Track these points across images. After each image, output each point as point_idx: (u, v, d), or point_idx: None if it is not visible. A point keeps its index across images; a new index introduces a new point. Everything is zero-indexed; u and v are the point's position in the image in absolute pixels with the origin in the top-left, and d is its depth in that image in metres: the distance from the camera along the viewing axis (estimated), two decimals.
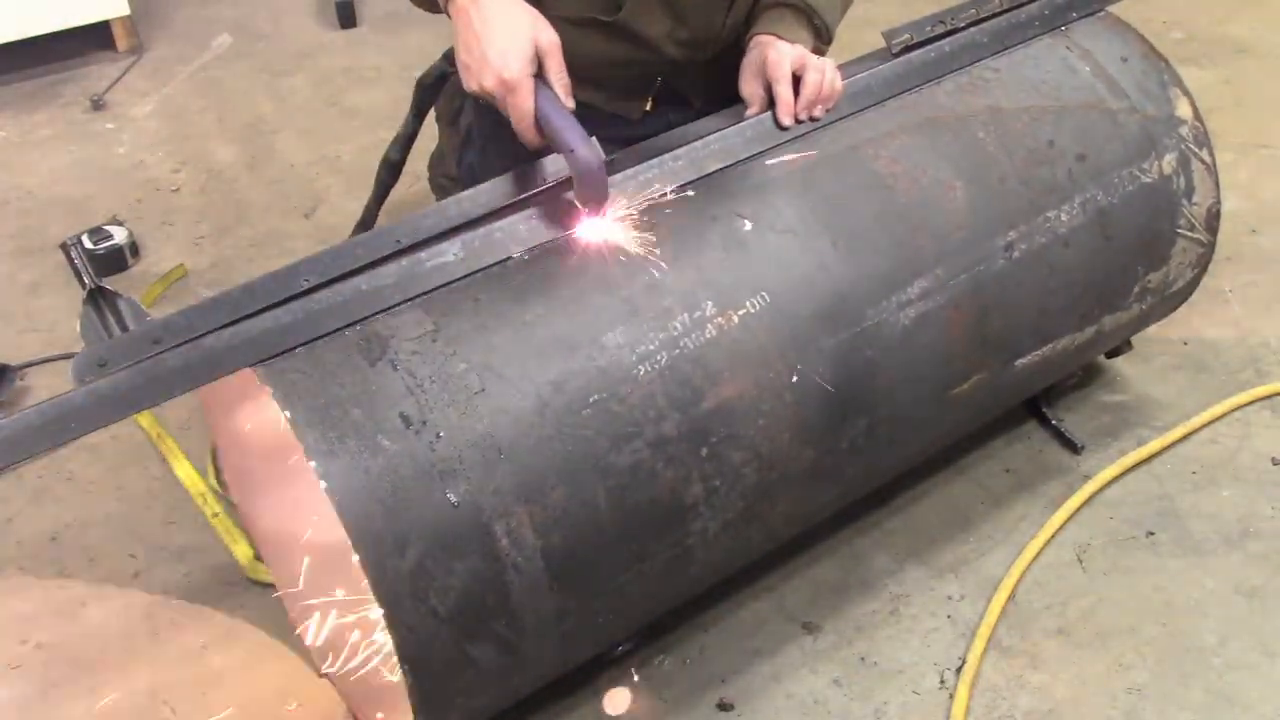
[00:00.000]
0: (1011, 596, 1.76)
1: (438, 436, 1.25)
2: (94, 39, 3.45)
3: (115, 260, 2.55)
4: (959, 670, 1.67)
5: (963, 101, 1.68)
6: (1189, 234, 1.83)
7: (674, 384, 1.37)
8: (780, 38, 1.63)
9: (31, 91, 3.31)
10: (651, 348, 1.37)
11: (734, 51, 1.82)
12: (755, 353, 1.43)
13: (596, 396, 1.33)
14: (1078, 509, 1.90)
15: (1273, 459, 1.99)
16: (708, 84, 1.92)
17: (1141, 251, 1.80)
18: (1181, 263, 1.86)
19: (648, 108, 1.92)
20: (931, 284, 1.57)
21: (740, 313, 1.42)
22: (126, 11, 3.41)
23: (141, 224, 2.71)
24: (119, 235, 2.57)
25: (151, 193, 2.86)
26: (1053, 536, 1.85)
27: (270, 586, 1.83)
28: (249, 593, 1.84)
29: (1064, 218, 1.68)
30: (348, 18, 3.57)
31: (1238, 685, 1.64)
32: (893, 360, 1.55)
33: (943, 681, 1.66)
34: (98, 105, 3.21)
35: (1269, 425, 2.06)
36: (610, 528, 1.35)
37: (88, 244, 2.53)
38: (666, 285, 1.40)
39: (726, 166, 1.53)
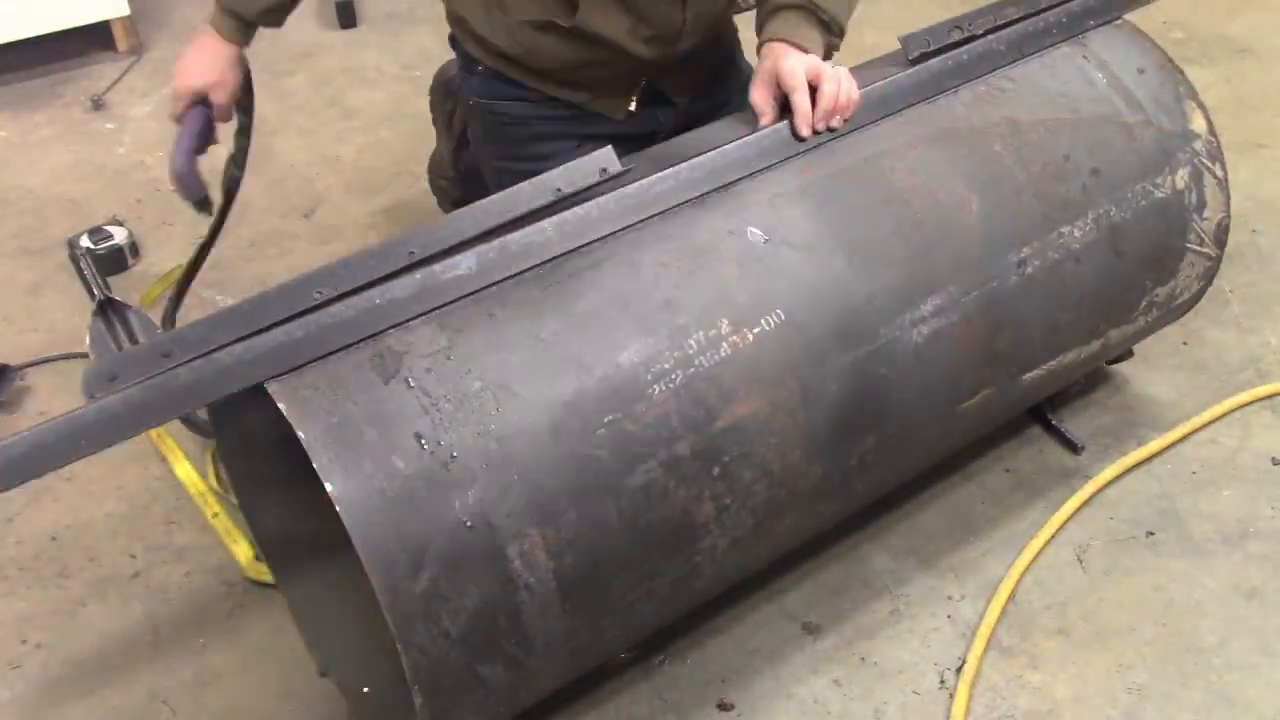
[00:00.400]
0: (1011, 596, 1.76)
1: (452, 458, 1.23)
2: (94, 39, 3.45)
3: (115, 260, 2.55)
4: (959, 670, 1.67)
5: (980, 113, 1.65)
6: (1198, 248, 1.83)
7: (688, 403, 1.36)
8: (791, 43, 1.60)
9: (31, 91, 3.31)
10: (667, 366, 1.35)
11: (710, 48, 1.86)
12: (769, 371, 1.42)
13: (611, 417, 1.31)
14: (1078, 509, 1.90)
15: (1273, 459, 1.99)
16: (690, 82, 1.92)
17: (1151, 266, 1.79)
18: (1189, 276, 1.86)
19: (632, 107, 1.94)
20: (945, 300, 1.56)
21: (755, 330, 1.41)
22: (126, 11, 3.41)
23: (141, 224, 2.71)
24: (119, 235, 2.57)
25: (151, 193, 2.86)
26: (1053, 536, 1.85)
27: (270, 586, 1.83)
28: (249, 593, 1.84)
29: (1077, 233, 1.67)
30: (348, 18, 3.57)
31: (1238, 685, 1.64)
32: (904, 377, 1.55)
33: (943, 681, 1.66)
34: (98, 105, 3.21)
35: (1269, 425, 2.06)
36: (622, 548, 1.35)
37: (88, 244, 2.53)
38: (682, 302, 1.39)
39: (743, 178, 1.50)
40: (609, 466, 1.31)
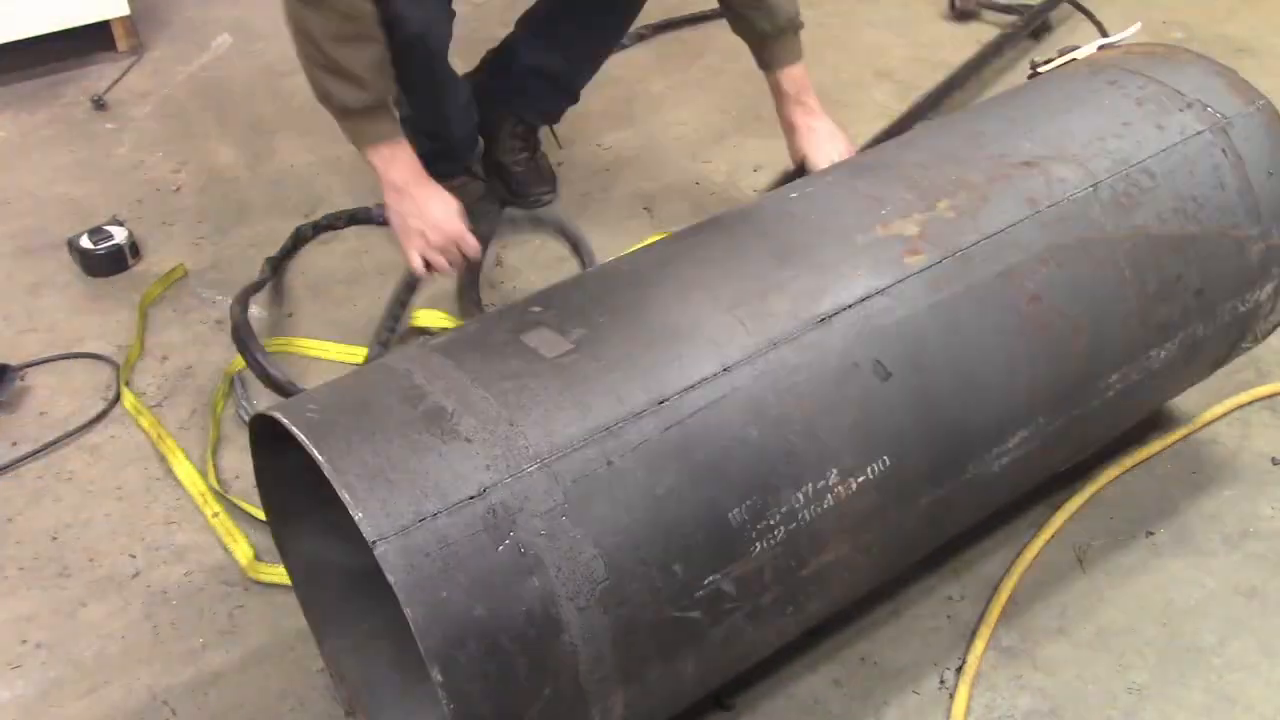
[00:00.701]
0: (1011, 596, 1.76)
1: (558, 636, 1.17)
2: (94, 39, 3.45)
3: (115, 260, 2.55)
4: (959, 670, 1.67)
5: (1115, 218, 1.56)
6: (1249, 344, 1.83)
7: (783, 557, 1.32)
8: (810, 105, 2.19)
9: (31, 91, 3.31)
10: (772, 523, 1.30)
11: None
12: (861, 516, 1.38)
13: (711, 578, 1.27)
14: (1078, 509, 1.90)
15: (1273, 459, 1.99)
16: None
17: (1208, 368, 1.81)
18: (1228, 364, 1.89)
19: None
20: (1030, 431, 1.52)
21: (860, 480, 1.36)
22: (126, 11, 3.41)
23: (141, 224, 2.71)
24: (119, 235, 2.57)
25: (151, 193, 2.86)
26: (1053, 536, 1.85)
27: (270, 586, 1.83)
28: (249, 593, 1.84)
29: (1163, 355, 1.64)
30: None
31: (1238, 685, 1.64)
32: (971, 505, 1.57)
33: (943, 681, 1.66)
34: (98, 105, 3.21)
35: (1269, 425, 2.06)
36: (691, 687, 1.37)
37: (87, 244, 2.54)
38: (799, 453, 1.32)
39: (874, 294, 1.40)
40: (699, 625, 1.28)
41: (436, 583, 1.12)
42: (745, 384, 1.30)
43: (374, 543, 1.11)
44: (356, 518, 1.12)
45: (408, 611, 1.10)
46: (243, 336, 2.15)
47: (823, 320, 1.36)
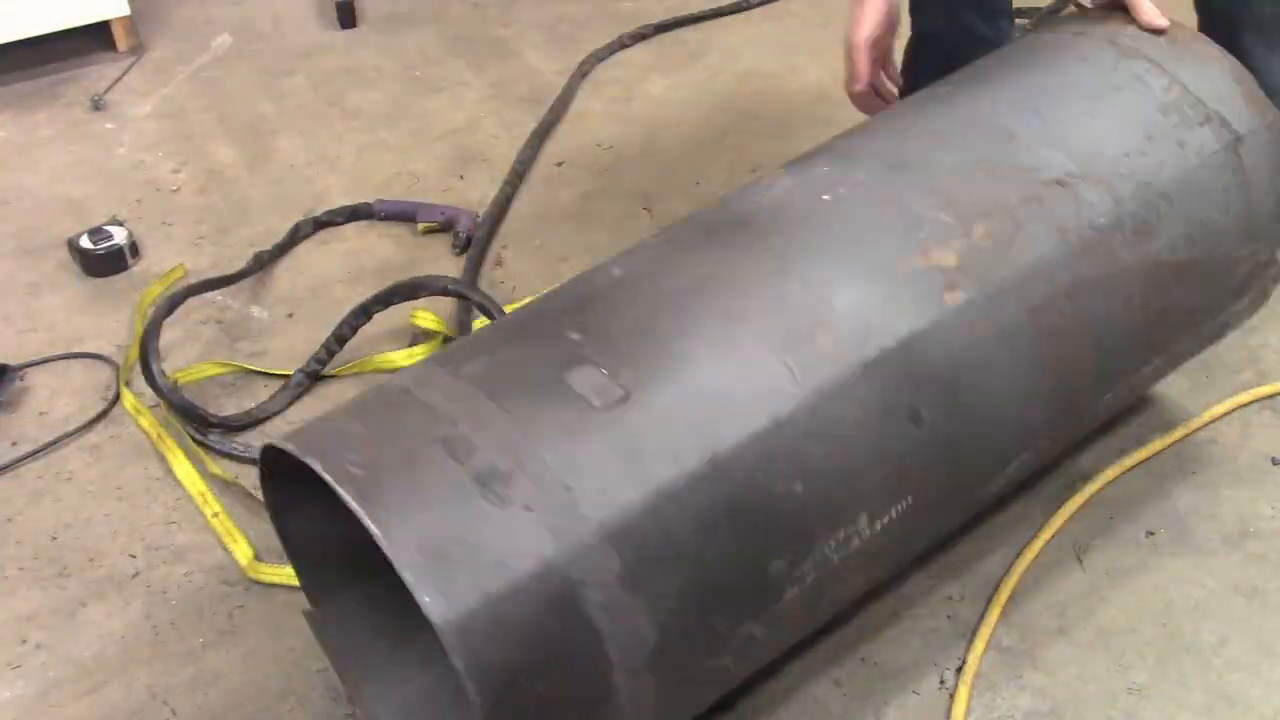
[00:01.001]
0: (1011, 596, 1.76)
1: (609, 701, 1.17)
2: (94, 39, 3.45)
3: (115, 260, 2.55)
4: (959, 670, 1.67)
5: (1133, 248, 1.53)
6: (1213, 345, 1.87)
7: (809, 597, 1.34)
8: None
9: (31, 91, 3.31)
10: (804, 569, 1.31)
11: None
12: (880, 552, 1.40)
13: (746, 625, 1.28)
14: (1078, 509, 1.90)
15: (1273, 459, 1.99)
16: None
17: (1177, 370, 1.85)
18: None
19: None
20: (1031, 456, 1.55)
21: (884, 521, 1.37)
22: (126, 11, 3.40)
23: (141, 224, 2.71)
24: (119, 235, 2.57)
25: (151, 193, 2.86)
26: (1053, 536, 1.85)
27: (270, 586, 1.83)
28: (249, 593, 1.85)
29: (1150, 370, 1.65)
30: (348, 18, 3.57)
31: (1238, 685, 1.64)
32: (964, 517, 1.60)
33: (943, 681, 1.66)
34: (98, 105, 3.21)
35: (1269, 425, 2.06)
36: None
37: (87, 244, 2.54)
38: (836, 501, 1.32)
39: (911, 334, 1.38)
40: (729, 669, 1.31)
41: (501, 663, 1.10)
42: (794, 438, 1.29)
43: (439, 626, 1.08)
44: (423, 602, 1.08)
45: (475, 698, 1.08)
46: (147, 342, 2.14)
47: (867, 366, 1.34)
